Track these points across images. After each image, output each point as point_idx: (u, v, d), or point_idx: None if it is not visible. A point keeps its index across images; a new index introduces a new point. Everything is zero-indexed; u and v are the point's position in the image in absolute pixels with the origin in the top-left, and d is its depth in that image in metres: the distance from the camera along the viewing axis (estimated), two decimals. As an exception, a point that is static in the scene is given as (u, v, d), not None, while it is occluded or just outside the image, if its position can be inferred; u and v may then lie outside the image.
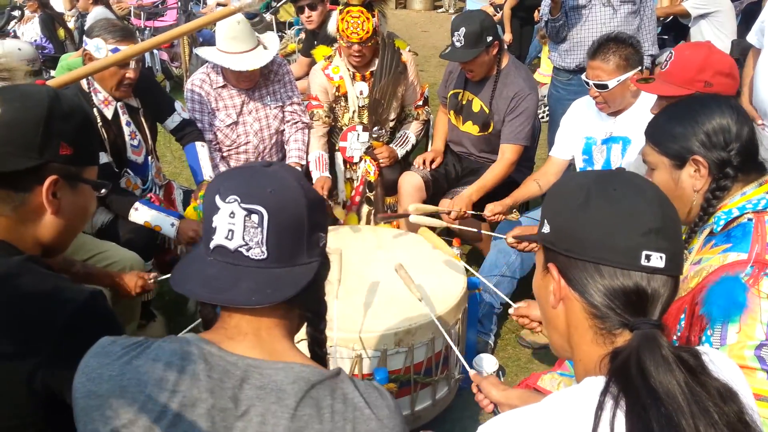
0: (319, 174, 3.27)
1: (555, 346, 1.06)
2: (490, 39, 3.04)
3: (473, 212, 2.93)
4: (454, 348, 1.98)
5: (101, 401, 0.94)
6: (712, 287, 1.35)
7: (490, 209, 2.83)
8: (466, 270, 2.53)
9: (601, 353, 0.92)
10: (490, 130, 3.27)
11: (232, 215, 0.96)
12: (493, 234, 2.89)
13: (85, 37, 2.64)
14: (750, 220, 1.43)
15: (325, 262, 1.06)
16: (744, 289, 1.30)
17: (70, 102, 1.28)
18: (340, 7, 3.18)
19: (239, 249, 0.96)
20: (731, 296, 1.30)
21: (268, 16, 7.03)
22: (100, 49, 2.56)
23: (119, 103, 2.72)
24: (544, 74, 6.53)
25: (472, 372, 1.66)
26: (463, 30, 2.99)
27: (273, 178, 1.00)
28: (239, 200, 0.96)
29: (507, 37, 6.63)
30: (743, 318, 1.29)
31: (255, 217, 0.96)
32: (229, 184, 0.99)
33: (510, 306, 2.03)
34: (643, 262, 0.90)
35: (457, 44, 3.03)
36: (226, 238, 0.97)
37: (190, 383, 0.93)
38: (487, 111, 3.23)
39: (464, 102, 3.32)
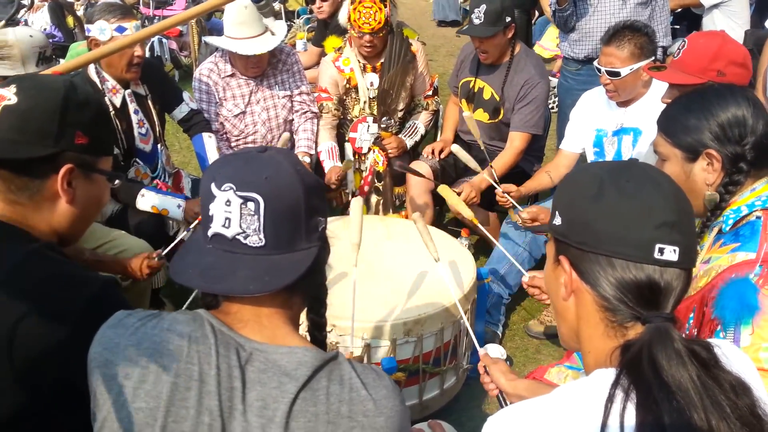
0: (332, 164, 3.29)
1: (564, 338, 1.06)
2: (508, 20, 3.05)
3: (492, 181, 2.87)
4: (467, 324, 1.94)
5: (117, 370, 0.96)
6: (723, 289, 1.32)
7: (506, 187, 2.80)
8: (476, 254, 2.51)
9: (612, 346, 0.91)
10: (500, 117, 3.26)
11: (228, 203, 0.96)
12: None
13: (87, 26, 2.63)
14: (758, 218, 1.40)
15: (324, 246, 1.06)
16: (755, 291, 1.27)
17: (86, 92, 1.30)
18: None
19: (237, 237, 0.97)
20: (743, 299, 1.27)
21: (276, 5, 7.01)
22: (104, 30, 2.54)
23: (127, 91, 2.72)
24: (545, 47, 6.40)
25: (482, 352, 1.64)
26: (483, 7, 2.99)
27: (268, 163, 0.99)
28: (234, 188, 0.96)
29: None
30: (756, 320, 1.26)
31: (251, 205, 0.96)
32: (224, 172, 0.99)
33: (523, 283, 2.01)
34: (657, 255, 0.89)
35: (476, 21, 3.03)
36: (223, 226, 0.97)
37: (203, 357, 0.95)
38: (498, 98, 3.23)
39: (476, 90, 3.31)
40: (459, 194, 2.90)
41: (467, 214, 2.46)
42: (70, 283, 1.19)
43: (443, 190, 2.55)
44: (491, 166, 2.97)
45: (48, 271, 1.20)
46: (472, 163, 2.78)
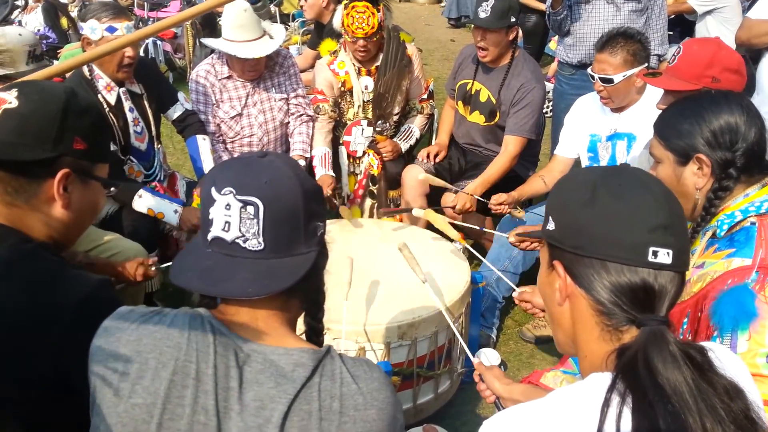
0: (323, 171, 3.27)
1: (560, 343, 1.06)
2: (512, 20, 3.08)
3: (479, 198, 2.93)
4: (458, 336, 1.97)
5: (117, 365, 0.96)
6: (722, 297, 1.32)
7: (496, 198, 2.84)
8: (470, 258, 2.53)
9: (608, 350, 0.92)
10: (497, 119, 3.27)
11: (227, 207, 0.97)
12: (495, 232, 2.90)
13: (80, 23, 2.63)
14: (753, 223, 1.41)
15: (323, 251, 1.07)
16: (753, 297, 1.28)
17: (87, 99, 1.33)
18: (345, 2, 3.17)
19: (236, 240, 0.98)
20: (741, 305, 1.28)
21: (272, 8, 7.01)
22: (95, 29, 2.54)
23: (122, 89, 2.72)
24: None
25: (476, 360, 1.65)
26: (491, 1, 3.03)
27: (268, 168, 1.00)
28: (234, 192, 0.97)
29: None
30: (753, 326, 1.27)
31: (251, 209, 0.97)
32: (224, 176, 1.00)
33: (514, 298, 2.03)
34: (650, 258, 0.90)
35: (482, 14, 3.05)
36: (223, 229, 0.98)
37: (201, 356, 0.96)
38: (494, 101, 3.24)
39: (473, 92, 3.33)
40: (452, 207, 2.92)
41: (454, 235, 2.56)
42: (64, 282, 1.20)
43: (429, 214, 2.64)
44: (473, 192, 3.01)
45: (42, 270, 1.21)
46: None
